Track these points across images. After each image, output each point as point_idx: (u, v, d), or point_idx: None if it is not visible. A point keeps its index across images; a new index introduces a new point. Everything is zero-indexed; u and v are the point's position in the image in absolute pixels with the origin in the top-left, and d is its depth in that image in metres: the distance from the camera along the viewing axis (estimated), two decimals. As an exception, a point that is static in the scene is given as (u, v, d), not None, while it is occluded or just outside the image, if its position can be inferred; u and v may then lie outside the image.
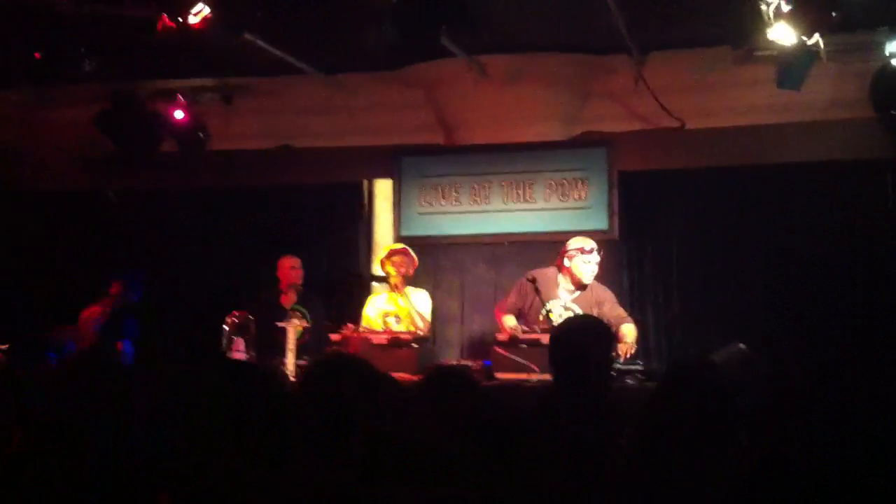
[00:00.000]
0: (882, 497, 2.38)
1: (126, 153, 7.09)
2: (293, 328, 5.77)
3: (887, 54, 5.85)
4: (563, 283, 5.86)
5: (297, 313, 6.42)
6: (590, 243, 5.83)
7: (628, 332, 5.64)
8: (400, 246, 6.52)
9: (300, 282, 6.60)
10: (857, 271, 6.37)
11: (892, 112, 6.00)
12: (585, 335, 3.49)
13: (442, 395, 3.03)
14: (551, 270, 5.91)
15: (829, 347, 6.08)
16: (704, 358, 5.02)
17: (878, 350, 6.11)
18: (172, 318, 6.69)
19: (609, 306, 5.81)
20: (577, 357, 3.35)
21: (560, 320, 5.64)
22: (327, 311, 6.58)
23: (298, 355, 5.66)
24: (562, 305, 5.83)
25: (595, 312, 5.71)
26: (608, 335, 3.62)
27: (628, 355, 5.43)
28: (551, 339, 3.61)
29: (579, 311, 5.75)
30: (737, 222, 6.62)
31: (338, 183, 7.43)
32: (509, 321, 5.76)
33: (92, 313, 6.37)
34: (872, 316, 6.25)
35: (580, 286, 5.82)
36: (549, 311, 5.74)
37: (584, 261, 5.78)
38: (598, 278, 5.87)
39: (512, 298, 5.93)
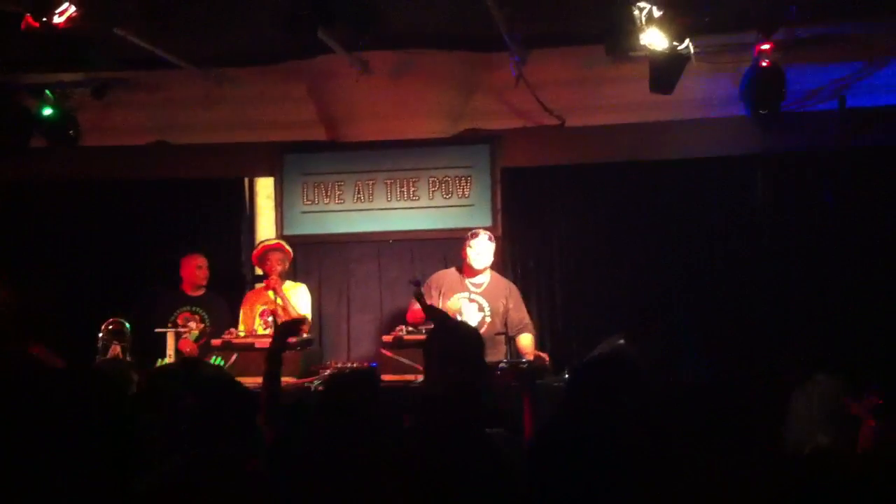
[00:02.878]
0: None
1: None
2: (172, 334, 5.69)
3: (756, 55, 6.06)
4: (466, 276, 5.98)
5: (196, 316, 6.26)
6: (478, 230, 6.01)
7: (527, 342, 5.84)
8: (274, 241, 6.41)
9: (205, 283, 6.41)
10: (732, 262, 6.63)
11: (761, 111, 6.24)
12: (453, 340, 3.55)
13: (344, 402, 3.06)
14: (451, 271, 6.08)
15: (710, 338, 6.31)
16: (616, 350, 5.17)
17: (751, 336, 6.38)
18: (46, 319, 6.44)
19: (514, 304, 6.00)
20: (447, 358, 3.42)
21: (464, 314, 5.81)
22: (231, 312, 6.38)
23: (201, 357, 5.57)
24: (466, 297, 5.91)
25: (501, 305, 5.91)
26: (476, 339, 3.68)
27: (539, 362, 5.50)
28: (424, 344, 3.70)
29: (484, 303, 5.92)
30: (617, 217, 6.76)
31: (218, 180, 7.21)
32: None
33: None
34: (747, 304, 6.51)
35: (472, 272, 5.95)
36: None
37: (470, 246, 5.93)
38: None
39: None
